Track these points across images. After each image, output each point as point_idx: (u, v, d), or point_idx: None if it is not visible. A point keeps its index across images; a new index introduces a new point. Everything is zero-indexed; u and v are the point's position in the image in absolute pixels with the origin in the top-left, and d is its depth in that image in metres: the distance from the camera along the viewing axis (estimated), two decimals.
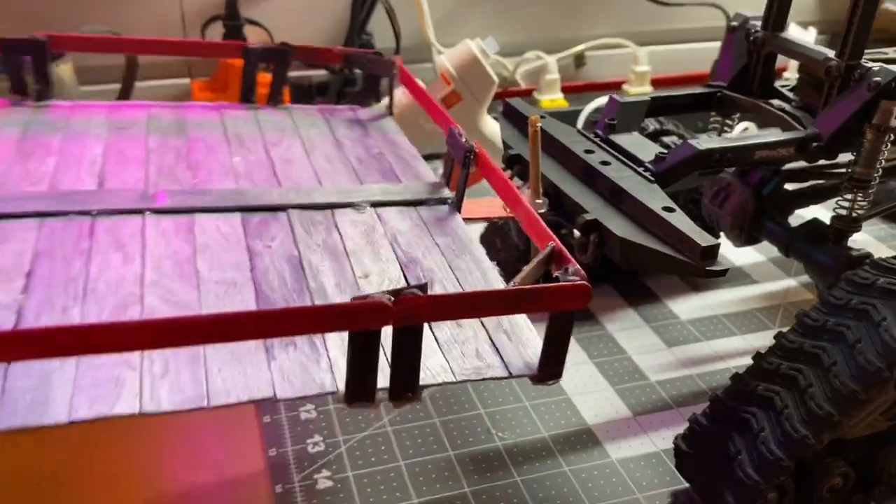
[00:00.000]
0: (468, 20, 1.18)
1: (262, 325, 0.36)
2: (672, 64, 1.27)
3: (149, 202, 0.54)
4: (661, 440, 0.66)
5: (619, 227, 0.55)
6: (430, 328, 0.45)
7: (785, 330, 0.58)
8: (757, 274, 0.90)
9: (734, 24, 0.70)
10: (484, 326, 0.46)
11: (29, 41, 0.65)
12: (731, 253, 0.93)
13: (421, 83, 0.88)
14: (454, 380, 0.42)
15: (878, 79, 0.59)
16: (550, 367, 0.43)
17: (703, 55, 1.18)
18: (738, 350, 0.77)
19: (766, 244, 0.72)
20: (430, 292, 0.38)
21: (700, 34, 1.28)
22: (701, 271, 0.51)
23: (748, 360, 0.58)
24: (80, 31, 0.94)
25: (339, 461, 0.64)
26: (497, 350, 0.45)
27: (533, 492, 0.61)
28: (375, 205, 0.58)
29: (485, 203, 0.63)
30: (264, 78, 1.07)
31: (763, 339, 0.59)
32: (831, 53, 0.63)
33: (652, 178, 0.58)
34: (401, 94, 0.87)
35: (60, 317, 0.42)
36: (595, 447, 0.66)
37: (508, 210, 0.59)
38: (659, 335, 0.79)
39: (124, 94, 1.01)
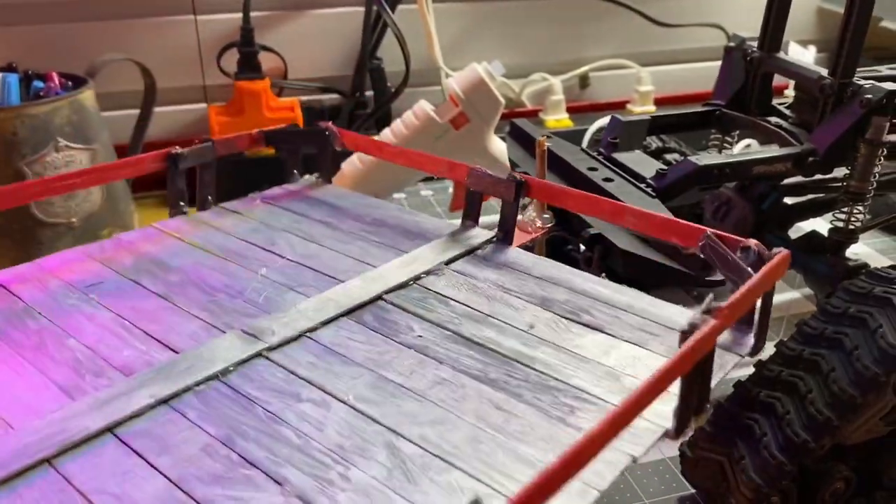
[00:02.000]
0: (475, 44, 1.22)
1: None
2: (675, 83, 1.30)
3: (258, 345, 0.48)
4: (668, 448, 0.68)
5: (622, 240, 0.57)
6: None
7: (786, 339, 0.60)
8: None
9: (731, 44, 0.73)
10: None
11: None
12: None
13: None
14: None
15: (869, 96, 0.62)
16: (761, 342, 0.47)
17: (705, 74, 1.21)
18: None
19: None
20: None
21: (702, 54, 1.31)
22: (701, 281, 0.53)
23: (752, 370, 0.60)
24: (102, 60, 0.98)
25: None
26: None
27: None
28: (446, 263, 0.55)
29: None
30: (277, 102, 1.10)
31: (766, 350, 0.61)
32: (825, 72, 0.66)
33: (653, 194, 0.60)
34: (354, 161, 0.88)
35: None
36: None
37: (546, 224, 0.61)
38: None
39: (143, 118, 1.05)
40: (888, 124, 0.61)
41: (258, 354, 0.46)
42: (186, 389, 0.43)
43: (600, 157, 0.66)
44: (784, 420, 0.56)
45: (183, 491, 0.37)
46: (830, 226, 0.68)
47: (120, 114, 1.08)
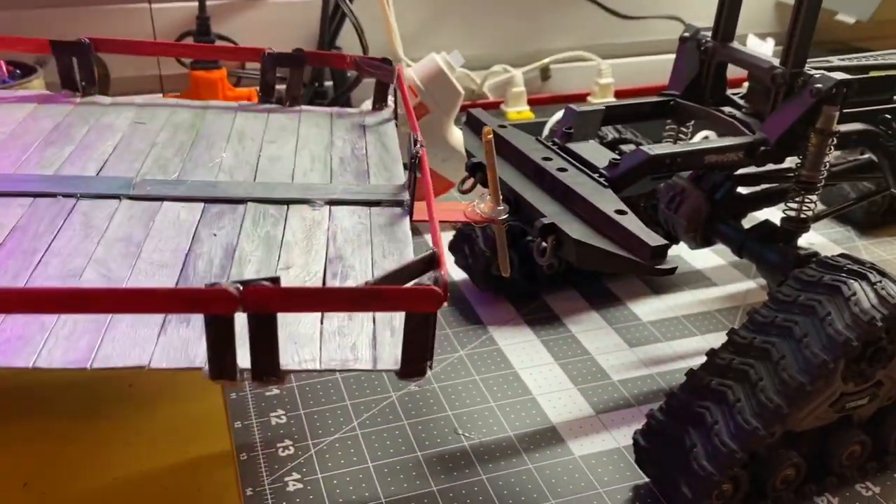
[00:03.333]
0: (435, 35, 1.21)
1: (117, 302, 0.40)
2: (635, 75, 1.30)
3: (127, 189, 0.59)
4: (623, 437, 0.68)
5: (575, 230, 0.57)
6: (321, 320, 0.47)
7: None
8: (716, 277, 0.93)
9: (686, 34, 0.73)
10: (374, 322, 0.48)
11: (75, 43, 0.74)
12: (691, 256, 0.96)
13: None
14: (318, 368, 0.44)
15: (819, 85, 0.62)
16: (412, 363, 0.44)
17: (664, 67, 1.21)
18: (697, 349, 0.79)
19: (726, 250, 0.74)
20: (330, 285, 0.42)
21: (662, 46, 1.32)
22: (651, 270, 0.53)
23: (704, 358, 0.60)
24: None
25: (309, 464, 0.65)
26: (375, 345, 0.46)
27: (498, 489, 0.63)
28: (332, 203, 0.60)
29: (449, 206, 0.64)
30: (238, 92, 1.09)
31: (721, 339, 0.61)
32: (777, 62, 0.66)
33: (605, 184, 0.60)
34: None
35: (10, 281, 0.48)
36: (559, 445, 0.67)
37: (469, 214, 0.61)
38: (621, 336, 0.81)
39: None
40: (838, 114, 0.62)
41: (116, 196, 0.58)
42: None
43: (555, 147, 0.66)
44: (735, 408, 0.57)
45: None
46: (783, 215, 0.68)
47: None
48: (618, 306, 0.86)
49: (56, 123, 0.69)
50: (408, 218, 0.59)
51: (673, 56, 0.76)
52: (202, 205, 0.59)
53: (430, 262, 0.45)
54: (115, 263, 0.51)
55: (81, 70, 0.76)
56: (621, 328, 0.83)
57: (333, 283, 0.51)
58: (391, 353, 0.45)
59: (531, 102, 1.22)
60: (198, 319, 0.46)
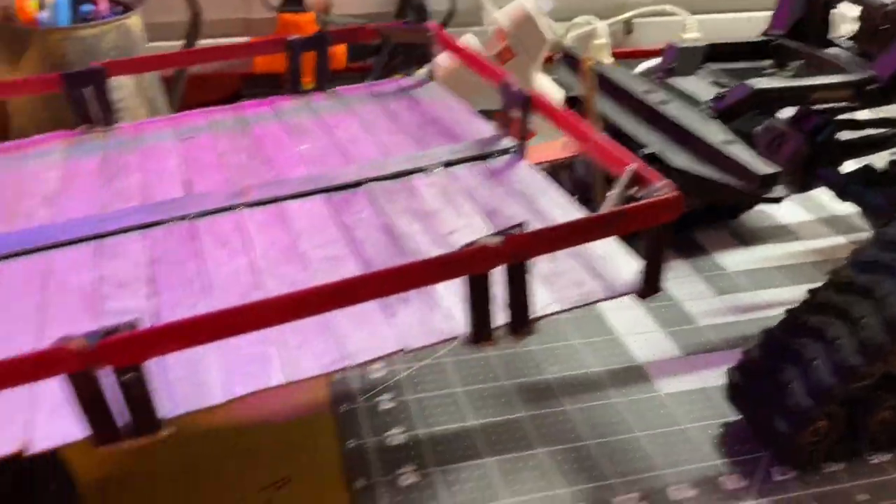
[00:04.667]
0: None
1: (386, 283, 0.39)
2: (721, 32, 1.27)
3: (237, 198, 0.56)
4: (710, 378, 0.68)
5: (679, 159, 0.57)
6: (529, 268, 0.46)
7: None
8: (802, 231, 0.91)
9: None
10: (580, 257, 0.48)
11: (88, 72, 0.67)
12: (776, 211, 0.94)
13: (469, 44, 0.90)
14: (562, 308, 0.44)
15: None
16: (652, 281, 0.45)
17: (750, 25, 1.18)
18: (785, 300, 0.78)
19: (813, 205, 0.73)
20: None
21: (749, 4, 1.28)
22: (758, 198, 0.53)
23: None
24: None
25: (398, 387, 0.66)
26: (596, 276, 0.46)
27: (584, 419, 0.63)
28: (445, 165, 0.59)
29: (546, 147, 0.64)
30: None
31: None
32: (889, 0, 0.64)
33: (712, 116, 0.59)
34: (446, 59, 0.88)
35: (190, 312, 0.42)
36: (643, 382, 0.68)
37: (573, 148, 0.61)
38: (707, 284, 0.81)
39: (188, 48, 1.04)
40: None
41: (231, 207, 0.55)
42: (154, 224, 0.53)
43: (656, 82, 0.66)
44: (835, 345, 0.56)
45: None
46: (891, 158, 0.67)
47: (165, 44, 1.07)
48: (704, 256, 0.85)
49: (101, 157, 0.64)
50: (524, 161, 0.59)
51: (760, 13, 0.74)
52: (321, 196, 0.56)
53: (634, 180, 0.45)
54: (286, 269, 0.49)
55: (99, 99, 0.68)
56: (708, 276, 0.82)
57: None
58: (618, 278, 0.46)
59: (614, 56, 1.20)
60: (415, 297, 0.45)
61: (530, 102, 0.58)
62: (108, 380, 0.35)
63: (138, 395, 0.35)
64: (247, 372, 0.40)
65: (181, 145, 0.65)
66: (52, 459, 0.45)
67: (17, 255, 0.51)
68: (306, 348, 0.42)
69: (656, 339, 0.73)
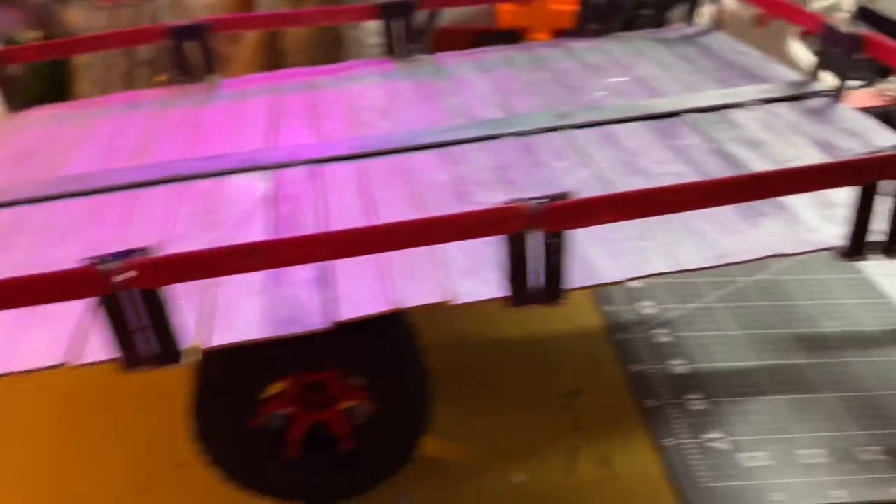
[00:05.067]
0: None
1: (785, 182, 0.41)
2: None
3: (563, 120, 0.59)
4: None
5: None
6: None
7: None
8: None
9: None
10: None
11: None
12: None
13: None
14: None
15: None
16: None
17: None
18: None
19: None
20: None
21: None
22: None
23: None
24: None
25: (672, 324, 0.68)
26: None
27: (870, 372, 0.63)
28: (762, 102, 0.60)
29: (862, 94, 0.64)
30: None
31: None
32: None
33: None
34: (711, 10, 0.89)
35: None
36: None
37: (892, 96, 0.60)
38: None
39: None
40: None
41: (558, 128, 0.58)
42: (492, 137, 0.58)
43: None
44: None
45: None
46: None
47: None
48: None
49: (416, 82, 0.69)
50: (843, 105, 0.59)
51: None
52: (642, 123, 0.58)
53: None
54: (634, 180, 0.51)
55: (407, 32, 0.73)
56: None
57: None
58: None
59: None
60: (769, 209, 0.46)
61: (860, 43, 0.57)
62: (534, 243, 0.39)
63: (555, 263, 0.39)
64: (632, 260, 0.43)
65: (486, 75, 0.69)
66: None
67: (375, 154, 0.56)
68: (681, 246, 0.44)
69: None
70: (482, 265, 0.42)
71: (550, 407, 0.60)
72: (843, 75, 0.60)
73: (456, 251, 0.43)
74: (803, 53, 0.98)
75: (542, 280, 0.40)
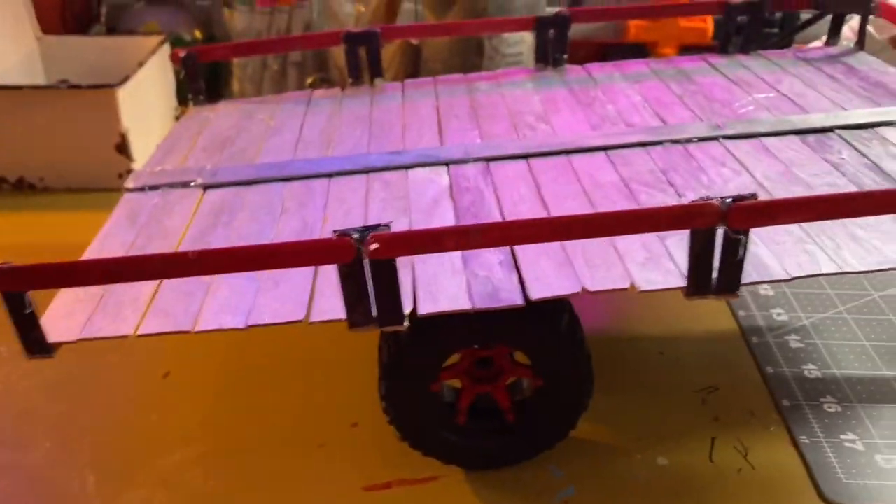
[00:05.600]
0: None
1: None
2: None
3: (717, 131, 0.63)
4: None
5: None
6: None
7: None
8: None
9: None
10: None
11: (553, 17, 0.78)
12: None
13: None
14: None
15: None
16: None
17: None
18: None
19: None
20: None
21: None
22: None
23: None
24: None
25: (804, 331, 0.71)
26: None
27: None
28: None
29: None
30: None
31: None
32: None
33: None
34: (849, 32, 0.90)
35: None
36: None
37: None
38: None
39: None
40: None
41: (714, 137, 0.62)
42: (652, 143, 0.62)
43: None
44: None
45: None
46: None
47: None
48: None
49: (569, 89, 0.74)
50: None
51: None
52: (796, 137, 0.62)
53: None
54: (795, 188, 0.55)
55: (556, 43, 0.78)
56: None
57: None
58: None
59: None
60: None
61: None
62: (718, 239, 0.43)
63: (735, 258, 0.43)
64: (800, 259, 0.47)
65: (635, 86, 0.74)
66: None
67: (542, 154, 0.62)
68: (844, 250, 0.48)
69: None
70: (660, 257, 0.47)
71: (690, 399, 0.64)
72: None
73: (633, 243, 0.48)
74: None
75: (719, 274, 0.44)
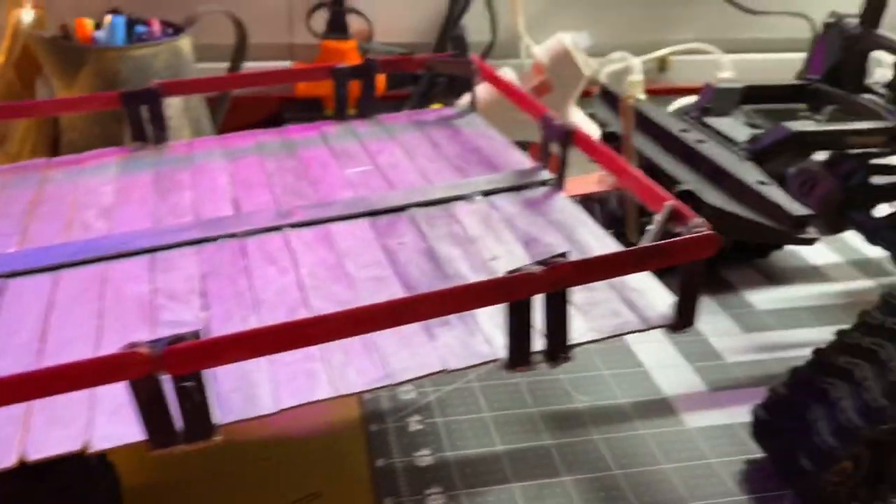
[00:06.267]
0: (558, 19, 1.22)
1: (433, 305, 0.41)
2: (755, 73, 1.29)
3: (285, 218, 0.58)
4: (736, 414, 0.68)
5: (713, 197, 0.58)
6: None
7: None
8: (834, 273, 0.91)
9: (830, 20, 0.73)
10: (614, 288, 0.50)
11: (145, 91, 0.71)
12: (808, 252, 0.95)
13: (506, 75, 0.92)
14: (599, 337, 0.46)
15: None
16: (685, 315, 0.47)
17: (786, 66, 1.20)
18: (813, 340, 0.78)
19: (845, 247, 0.73)
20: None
21: (784, 45, 1.30)
22: (791, 238, 0.54)
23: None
24: (200, 10, 1.01)
25: (428, 409, 0.68)
26: (631, 307, 0.48)
27: (612, 449, 0.64)
28: (485, 194, 0.62)
29: (581, 180, 0.66)
30: None
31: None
32: None
33: (746, 156, 0.61)
34: (483, 90, 0.91)
35: (242, 326, 0.47)
36: (670, 415, 0.68)
37: (608, 183, 0.63)
38: (735, 321, 0.82)
39: (233, 71, 1.08)
40: None
41: (278, 227, 0.58)
42: (208, 240, 0.56)
43: (692, 121, 0.67)
44: (863, 386, 0.57)
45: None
46: None
47: (210, 66, 1.11)
48: (732, 293, 0.86)
49: (155, 173, 0.67)
50: (562, 193, 0.61)
51: (795, 55, 0.76)
52: (366, 220, 0.59)
53: (672, 216, 0.47)
54: (334, 287, 0.51)
55: (153, 118, 0.72)
56: (735, 314, 0.83)
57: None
58: (652, 311, 0.48)
59: (648, 93, 1.22)
60: (456, 321, 0.47)
61: (571, 137, 0.59)
62: (166, 386, 0.37)
63: (196, 402, 0.37)
64: (295, 385, 0.42)
65: (230, 165, 0.68)
66: (100, 462, 0.47)
67: (77, 264, 0.53)
68: (351, 366, 0.44)
69: (684, 373, 0.74)
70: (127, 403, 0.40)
71: None
72: (560, 166, 0.62)
73: (106, 392, 0.41)
74: (583, 120, 1.02)
75: (184, 420, 0.38)
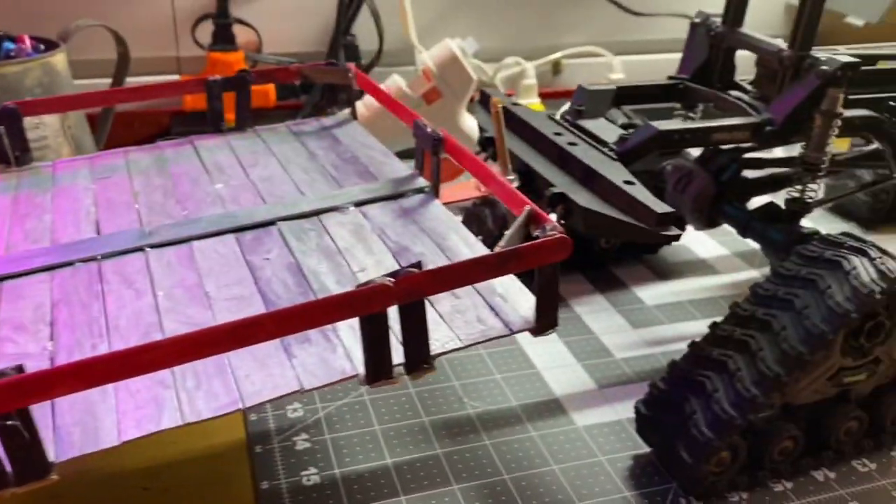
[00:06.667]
0: (450, 26, 1.23)
1: (280, 324, 0.39)
2: (645, 73, 1.32)
3: (146, 239, 0.56)
4: (624, 410, 0.69)
5: (583, 198, 0.59)
6: (432, 305, 0.48)
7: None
8: (720, 265, 0.94)
9: (696, 20, 0.75)
10: (480, 294, 0.49)
11: (2, 111, 0.66)
12: (696, 246, 0.97)
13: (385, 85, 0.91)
14: (462, 345, 0.45)
15: (825, 67, 0.64)
16: (545, 318, 0.47)
17: (673, 66, 1.23)
18: (700, 332, 0.80)
19: (732, 240, 0.75)
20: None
21: (672, 45, 1.33)
22: (656, 236, 0.55)
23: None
24: (75, 25, 0.97)
25: (317, 426, 0.66)
26: (496, 313, 0.48)
27: (501, 454, 0.64)
28: (358, 204, 0.61)
29: (458, 187, 0.66)
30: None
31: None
32: (784, 46, 0.68)
33: (615, 157, 0.62)
34: (368, 99, 0.90)
35: (91, 354, 0.44)
36: (561, 415, 0.69)
37: (482, 188, 0.63)
38: (625, 318, 0.83)
39: (115, 87, 1.04)
40: (842, 96, 0.63)
41: (139, 248, 0.55)
42: (62, 265, 0.53)
43: (566, 124, 0.68)
44: (735, 377, 0.58)
45: None
46: (787, 197, 0.70)
47: (92, 82, 1.07)
48: (623, 290, 0.88)
49: (13, 196, 0.63)
50: (437, 200, 0.60)
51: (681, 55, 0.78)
52: (232, 236, 0.57)
53: (530, 219, 0.47)
54: (190, 310, 0.49)
55: (12, 139, 0.67)
56: (625, 310, 0.84)
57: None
58: (516, 316, 0.47)
59: (542, 96, 1.24)
60: (317, 336, 0.45)
61: (442, 143, 0.59)
62: None
63: (22, 442, 0.35)
64: (141, 414, 0.40)
65: (96, 185, 0.65)
66: None
67: None
68: (202, 390, 0.42)
69: (574, 372, 0.74)
70: None
71: None
72: (434, 173, 0.61)
73: None
74: (475, 126, 1.02)
75: (13, 460, 0.36)
